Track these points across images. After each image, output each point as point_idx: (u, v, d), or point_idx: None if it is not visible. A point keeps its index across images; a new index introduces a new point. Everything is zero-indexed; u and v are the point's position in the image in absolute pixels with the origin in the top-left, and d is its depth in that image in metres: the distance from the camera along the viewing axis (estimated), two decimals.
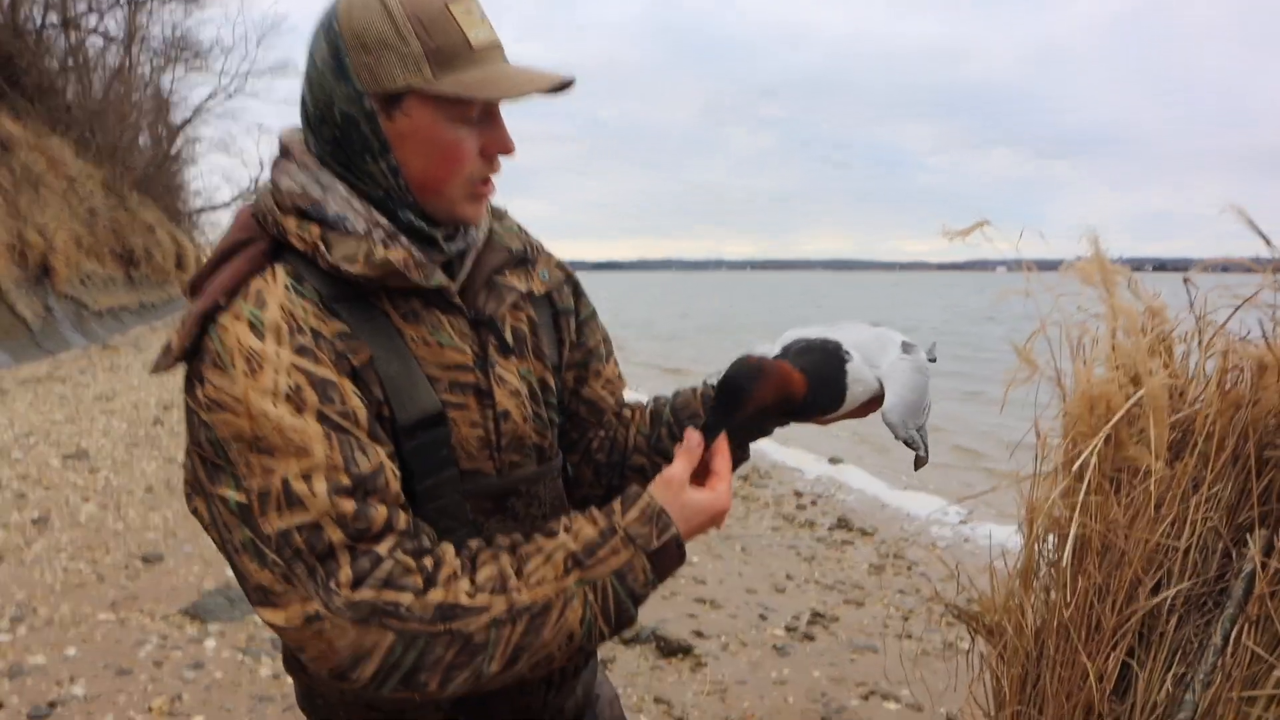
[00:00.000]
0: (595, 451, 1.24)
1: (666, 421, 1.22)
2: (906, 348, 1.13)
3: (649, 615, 4.01)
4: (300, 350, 0.89)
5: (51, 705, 3.08)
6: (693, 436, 0.99)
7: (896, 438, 1.08)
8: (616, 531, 0.92)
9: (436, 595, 0.87)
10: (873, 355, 1.10)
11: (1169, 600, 1.58)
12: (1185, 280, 1.89)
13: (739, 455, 1.12)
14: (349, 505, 0.86)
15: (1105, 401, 1.68)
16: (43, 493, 5.78)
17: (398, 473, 0.93)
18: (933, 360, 1.18)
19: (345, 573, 0.85)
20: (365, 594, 0.85)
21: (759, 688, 3.41)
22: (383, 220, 0.97)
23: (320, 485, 0.85)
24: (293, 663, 1.13)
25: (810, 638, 3.89)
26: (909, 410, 1.08)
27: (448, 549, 0.92)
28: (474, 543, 0.95)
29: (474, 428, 1.02)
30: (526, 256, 1.13)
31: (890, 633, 3.95)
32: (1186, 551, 1.59)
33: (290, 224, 0.95)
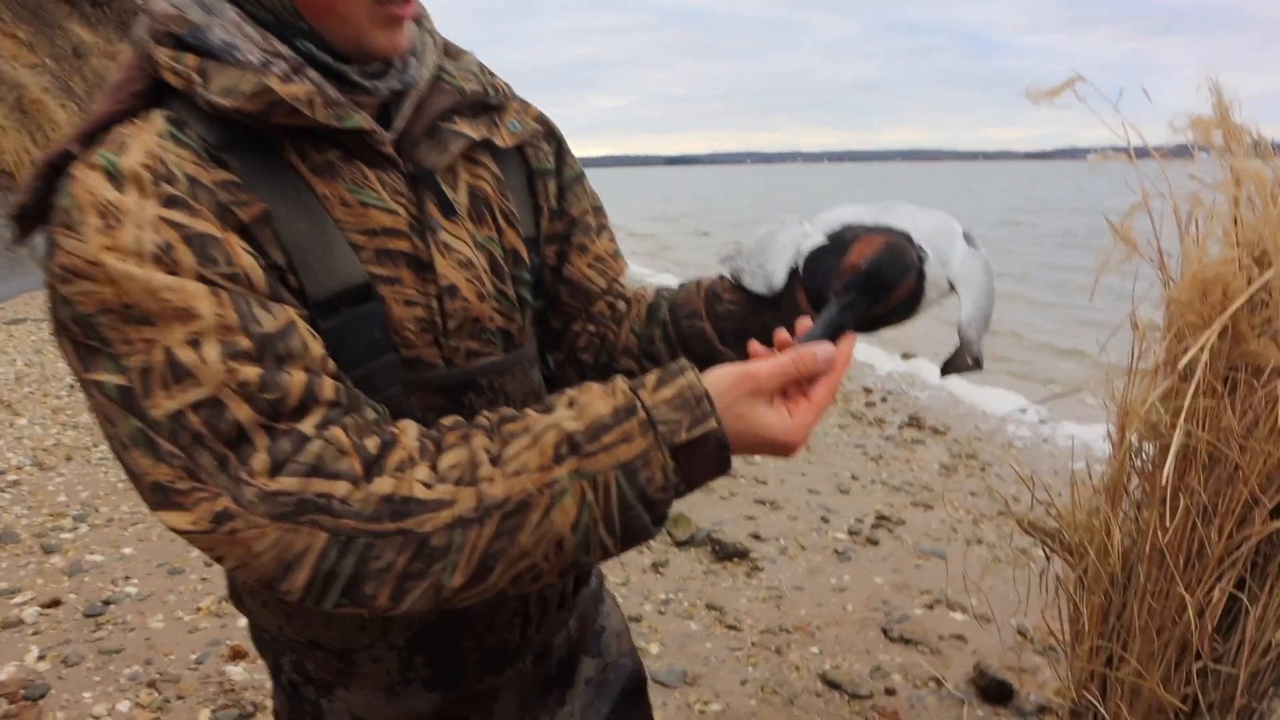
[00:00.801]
0: (581, 350, 1.06)
1: (662, 320, 1.01)
2: (969, 239, 0.92)
3: (706, 517, 3.87)
4: (170, 201, 0.70)
5: (106, 603, 3.10)
6: (821, 347, 0.75)
7: (969, 356, 0.88)
8: (635, 411, 0.71)
9: (383, 485, 0.69)
10: (943, 251, 0.88)
11: None
12: None
13: None
14: (251, 371, 0.68)
15: (1221, 286, 1.39)
16: None
17: (318, 335, 0.75)
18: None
19: (260, 458, 0.68)
20: (287, 483, 0.68)
21: (817, 594, 3.26)
22: (286, 50, 0.77)
23: (212, 350, 0.68)
24: (236, 595, 0.98)
25: (874, 542, 3.71)
26: (986, 322, 0.88)
27: (407, 428, 0.74)
28: (448, 420, 0.77)
29: (410, 306, 0.83)
30: (487, 100, 0.92)
31: (959, 538, 3.74)
32: None
33: (162, 55, 0.75)
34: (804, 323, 0.79)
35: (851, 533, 3.80)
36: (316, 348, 0.73)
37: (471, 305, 0.87)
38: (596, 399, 0.73)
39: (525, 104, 1.00)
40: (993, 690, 2.59)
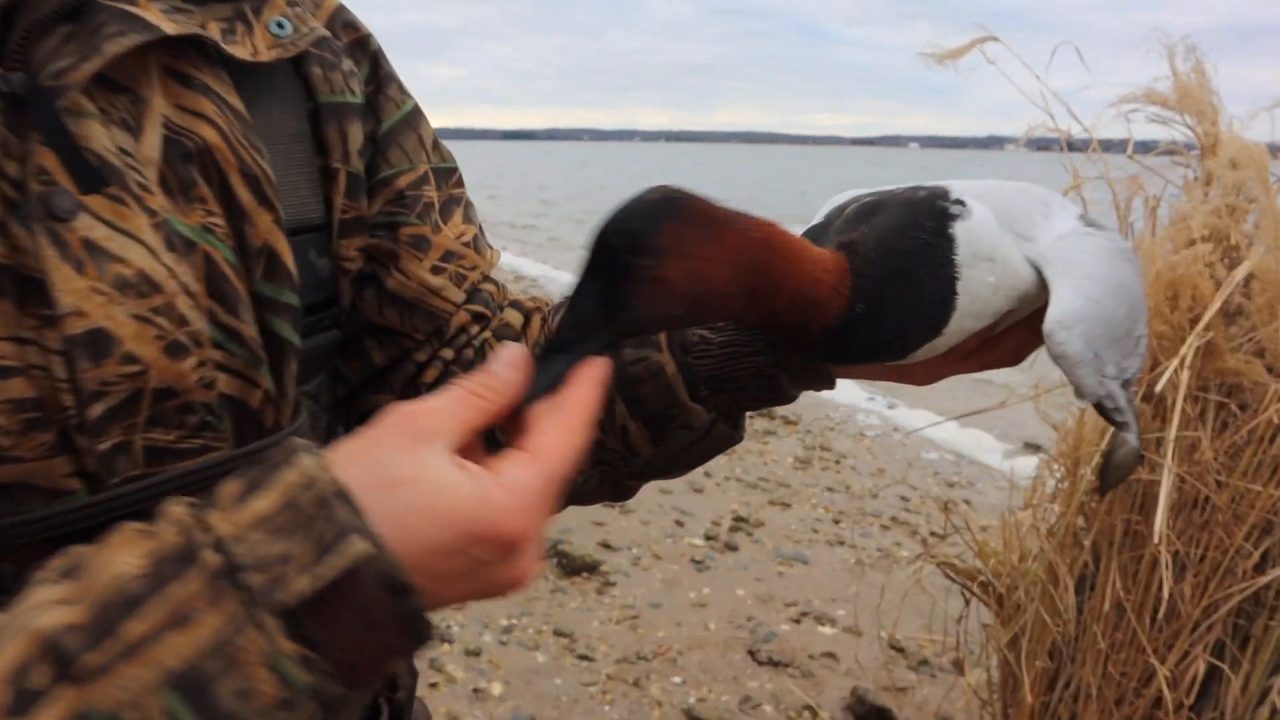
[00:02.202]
0: (430, 388, 0.67)
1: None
2: (1091, 223, 0.56)
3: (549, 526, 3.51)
4: None
5: None
6: (507, 352, 0.44)
7: (1079, 390, 0.51)
8: (195, 556, 0.36)
9: None
10: (1019, 218, 0.53)
11: None
12: None
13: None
14: None
15: (1190, 289, 1.15)
16: None
17: None
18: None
19: None
20: None
21: (675, 612, 2.97)
22: None
23: None
24: None
25: (732, 547, 3.47)
26: (1104, 330, 0.50)
27: None
28: None
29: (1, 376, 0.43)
30: None
31: (821, 539, 3.56)
32: None
33: None
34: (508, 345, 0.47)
35: (709, 538, 3.54)
36: None
37: (150, 365, 0.46)
38: (119, 550, 0.36)
39: None
40: (871, 717, 2.38)
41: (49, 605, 0.35)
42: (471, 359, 0.66)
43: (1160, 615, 1.13)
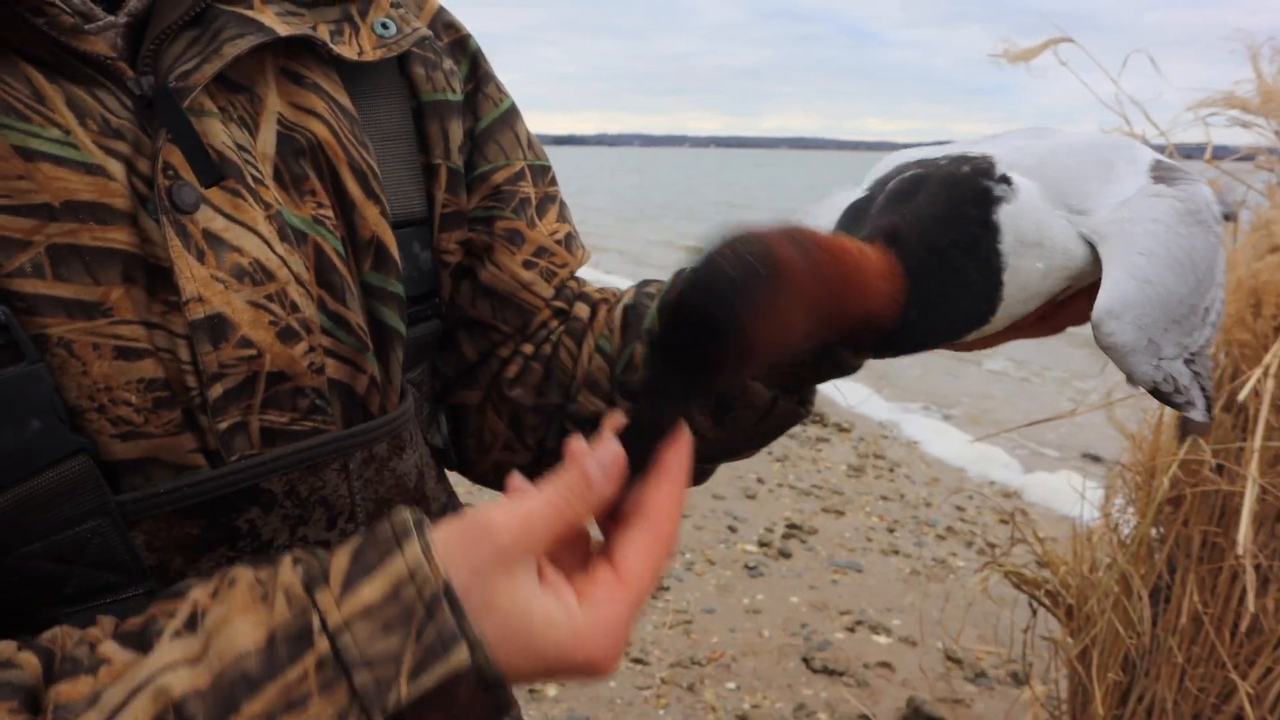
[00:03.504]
0: (511, 384, 0.68)
1: (650, 330, 0.65)
2: (1163, 172, 0.53)
3: None
4: None
5: None
6: (601, 454, 0.42)
7: (1130, 378, 0.50)
8: (310, 639, 0.37)
9: None
10: (1072, 189, 0.51)
11: None
12: None
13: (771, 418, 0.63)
14: None
15: (1274, 296, 1.13)
16: None
17: None
18: (1228, 217, 0.60)
19: None
20: None
21: (729, 618, 2.97)
22: None
23: None
24: None
25: (786, 554, 3.45)
26: (1162, 312, 0.49)
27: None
28: (51, 635, 0.41)
29: (128, 359, 0.46)
30: None
31: (875, 548, 3.52)
32: None
33: None
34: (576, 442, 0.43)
35: (762, 544, 3.53)
36: None
37: (264, 349, 0.49)
38: (237, 614, 0.38)
39: None
40: None
41: (176, 665, 0.36)
42: (549, 354, 0.68)
43: (1242, 630, 1.11)
